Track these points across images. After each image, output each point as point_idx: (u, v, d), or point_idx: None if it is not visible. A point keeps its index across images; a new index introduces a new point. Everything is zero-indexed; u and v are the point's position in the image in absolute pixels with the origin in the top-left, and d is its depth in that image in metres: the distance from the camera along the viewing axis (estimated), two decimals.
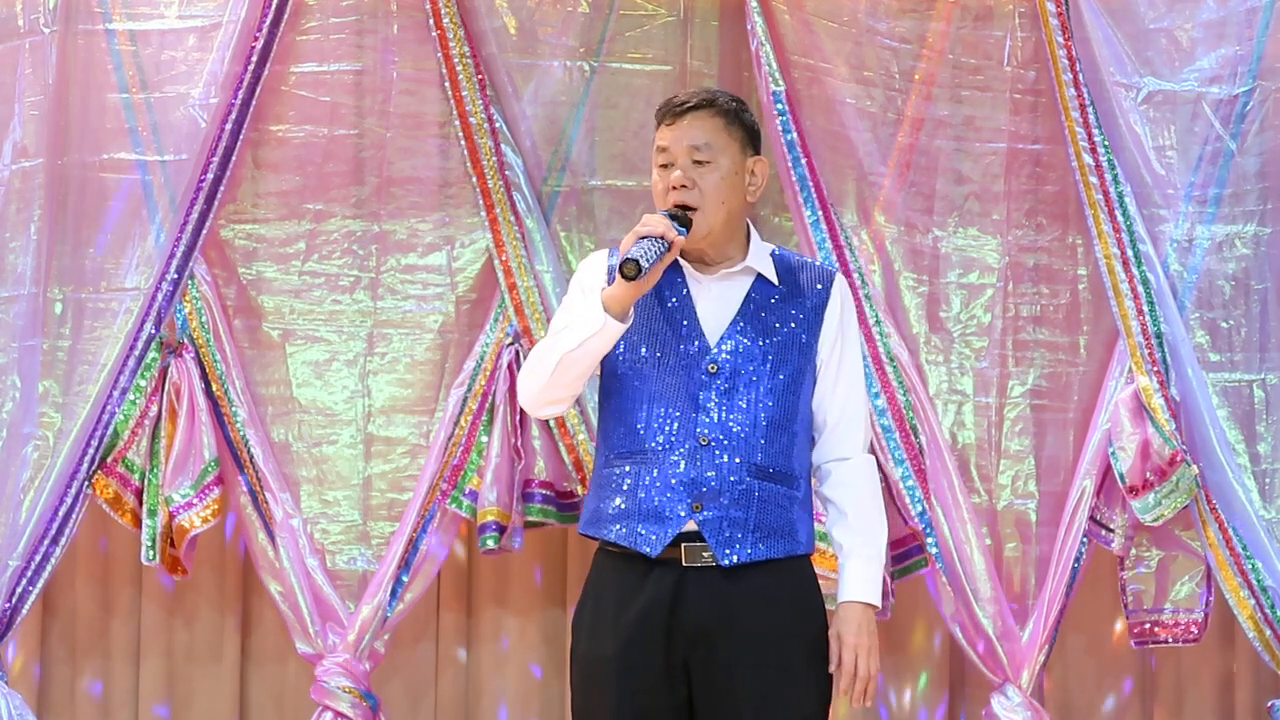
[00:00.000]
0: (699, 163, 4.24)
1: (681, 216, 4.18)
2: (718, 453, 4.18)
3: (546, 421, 5.44)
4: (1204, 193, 5.45)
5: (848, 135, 5.50)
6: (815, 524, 4.29)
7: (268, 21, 5.43)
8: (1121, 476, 5.36)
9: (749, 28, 5.47)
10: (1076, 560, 5.40)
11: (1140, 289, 5.40)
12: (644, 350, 4.23)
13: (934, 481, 5.43)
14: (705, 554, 4.18)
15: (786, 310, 4.27)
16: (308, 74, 5.53)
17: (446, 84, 5.49)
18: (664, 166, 4.27)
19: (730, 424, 4.20)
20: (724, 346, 4.22)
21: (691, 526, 4.18)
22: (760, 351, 4.23)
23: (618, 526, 4.22)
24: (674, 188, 4.23)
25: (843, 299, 4.33)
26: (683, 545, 4.18)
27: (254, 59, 5.43)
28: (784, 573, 4.23)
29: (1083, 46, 5.44)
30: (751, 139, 4.32)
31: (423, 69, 5.53)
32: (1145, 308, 5.40)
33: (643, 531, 4.19)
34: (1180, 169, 5.46)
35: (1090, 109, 5.41)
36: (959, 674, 5.64)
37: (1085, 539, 5.41)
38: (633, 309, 4.14)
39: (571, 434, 5.42)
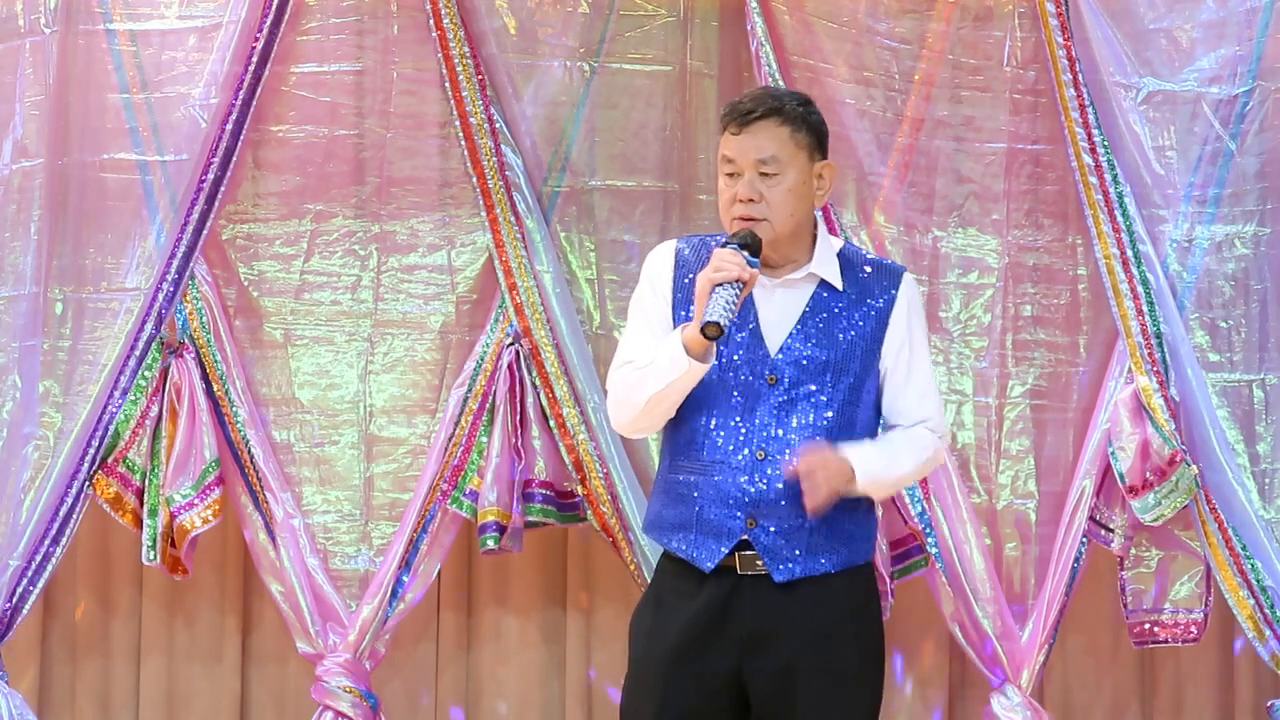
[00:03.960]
0: (766, 174, 4.22)
1: (751, 243, 4.14)
2: (775, 465, 4.17)
3: (547, 421, 5.44)
4: (1204, 193, 5.45)
5: (848, 135, 5.50)
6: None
7: (268, 22, 5.43)
8: (1121, 476, 5.36)
9: (749, 28, 5.47)
10: (1076, 560, 5.40)
11: (1140, 289, 5.40)
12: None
13: (934, 481, 5.43)
14: (759, 562, 4.18)
15: (851, 316, 4.25)
16: (308, 74, 5.53)
17: (446, 84, 5.49)
18: (730, 176, 4.23)
19: (788, 436, 4.18)
20: (784, 356, 4.20)
21: (747, 539, 4.18)
22: (821, 361, 4.21)
23: (678, 538, 4.23)
24: (740, 201, 4.20)
25: (909, 300, 4.30)
26: (737, 554, 4.18)
27: (254, 59, 5.43)
28: (841, 580, 4.22)
29: (1082, 47, 5.44)
30: (819, 143, 4.27)
31: (423, 69, 5.54)
32: (1145, 308, 5.40)
33: (700, 545, 4.20)
34: (1180, 169, 5.46)
35: (1090, 109, 5.42)
36: (959, 674, 5.64)
37: (1085, 539, 5.41)
38: (714, 348, 4.13)
39: (572, 434, 5.42)
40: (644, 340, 4.26)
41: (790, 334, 4.22)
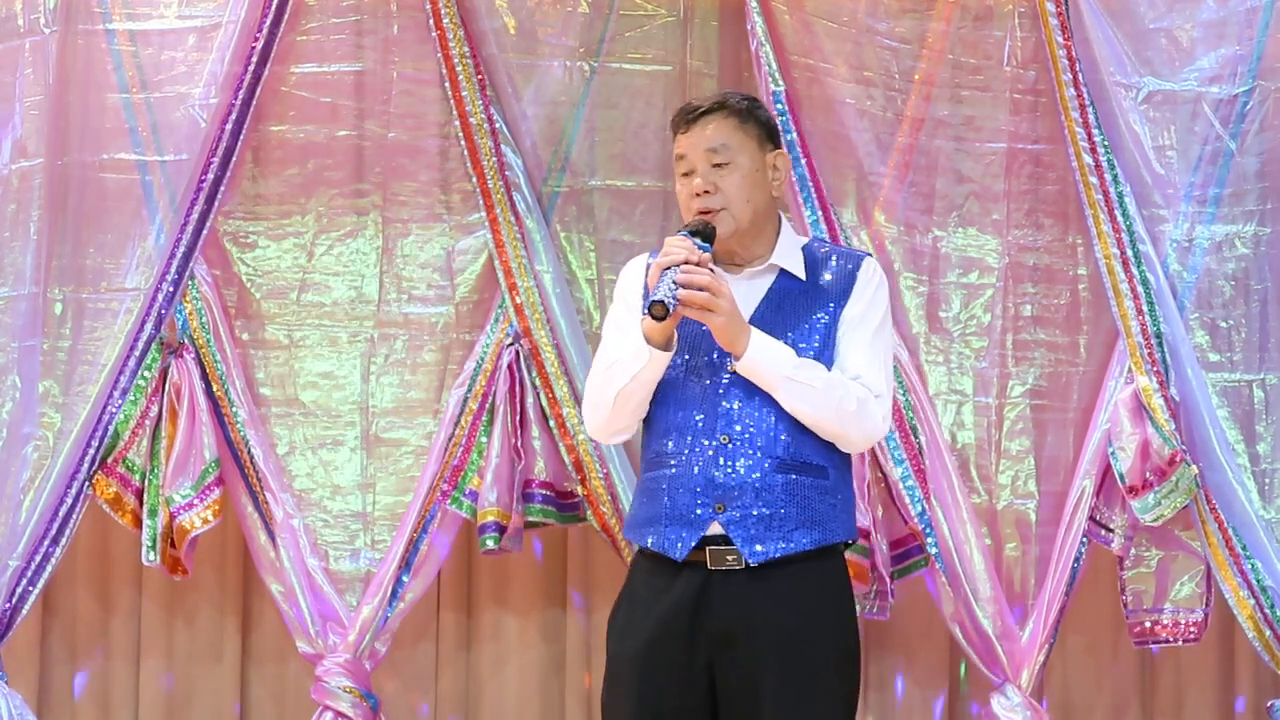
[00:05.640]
0: (718, 165, 4.26)
1: (703, 230, 4.20)
2: (739, 452, 4.20)
3: (547, 421, 5.44)
4: (1204, 193, 5.45)
5: (848, 135, 5.50)
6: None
7: (268, 22, 5.43)
8: (1121, 476, 5.36)
9: (749, 28, 5.47)
10: (1076, 560, 5.40)
11: (1140, 289, 5.40)
12: (675, 357, 4.25)
13: (934, 481, 5.43)
14: (730, 557, 4.20)
15: (811, 303, 4.29)
16: (308, 74, 5.53)
17: (446, 84, 5.49)
18: (685, 175, 4.30)
19: (751, 423, 4.22)
20: None
21: (717, 529, 4.20)
22: None
23: (651, 531, 4.25)
24: (697, 195, 4.24)
25: (869, 278, 4.33)
26: (708, 549, 4.20)
27: (254, 59, 5.43)
28: (812, 573, 4.24)
29: (1083, 46, 5.44)
30: (769, 134, 4.35)
31: (423, 69, 5.53)
32: (1145, 308, 5.40)
33: (671, 536, 4.22)
34: (1180, 169, 5.46)
35: (1090, 109, 5.41)
36: (959, 674, 5.64)
37: (1085, 539, 5.41)
38: (675, 333, 4.17)
39: (571, 434, 5.42)
40: (613, 349, 4.30)
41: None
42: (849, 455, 4.34)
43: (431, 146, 5.55)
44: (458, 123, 5.49)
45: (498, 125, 5.49)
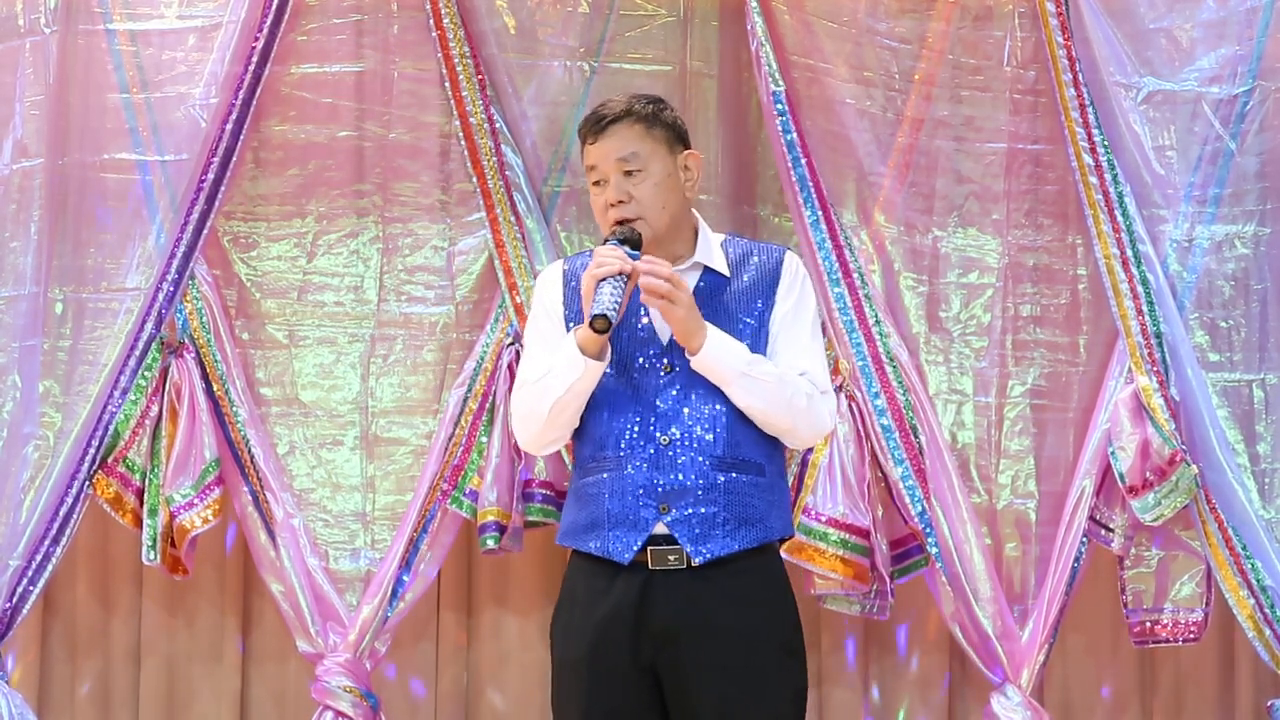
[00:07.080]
0: (629, 173, 4.27)
1: (631, 237, 4.22)
2: (679, 452, 4.21)
3: None
4: (1204, 193, 5.45)
5: (848, 135, 5.50)
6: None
7: (268, 22, 5.43)
8: (1121, 476, 5.36)
9: (749, 28, 5.48)
10: (1076, 560, 5.41)
11: (1140, 289, 5.41)
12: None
13: (934, 481, 5.43)
14: (671, 557, 4.21)
15: (738, 298, 4.30)
16: (308, 75, 5.53)
17: (446, 84, 5.50)
18: (597, 184, 4.31)
19: (689, 422, 4.22)
20: (677, 345, 4.24)
21: (661, 529, 4.20)
22: None
23: (592, 537, 4.25)
24: (611, 205, 4.25)
25: (793, 273, 4.35)
26: (649, 549, 4.20)
27: (254, 59, 5.44)
28: (752, 570, 4.24)
29: (1082, 46, 5.44)
30: (678, 136, 4.35)
31: (423, 69, 5.54)
32: (1145, 308, 5.40)
33: (615, 540, 4.22)
34: (1180, 169, 5.46)
35: (1090, 109, 5.42)
36: (959, 674, 5.64)
37: (1085, 539, 5.41)
38: (608, 343, 4.17)
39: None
40: (541, 361, 4.29)
41: None
42: (783, 453, 4.35)
43: (431, 146, 5.56)
44: (458, 123, 5.49)
45: (498, 125, 5.50)
